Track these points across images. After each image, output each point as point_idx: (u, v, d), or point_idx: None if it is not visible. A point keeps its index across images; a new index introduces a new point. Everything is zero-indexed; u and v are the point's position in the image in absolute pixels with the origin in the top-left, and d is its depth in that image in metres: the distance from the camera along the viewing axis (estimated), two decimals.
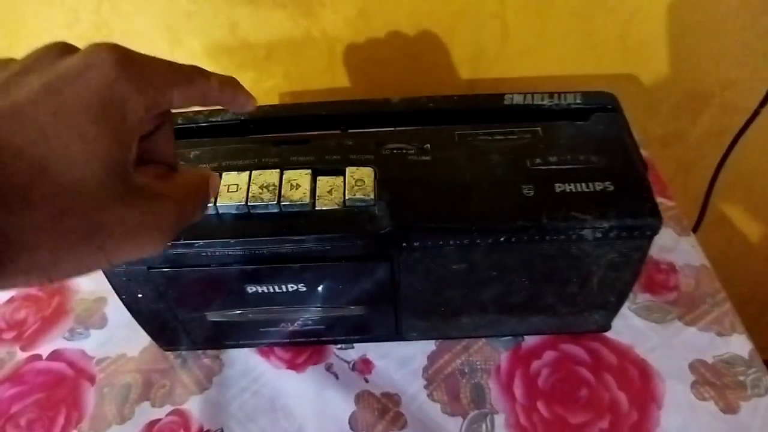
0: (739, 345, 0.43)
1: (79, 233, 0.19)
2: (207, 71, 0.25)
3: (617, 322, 0.43)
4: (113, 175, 0.20)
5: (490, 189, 0.35)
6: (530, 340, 0.44)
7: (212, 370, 0.45)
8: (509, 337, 0.44)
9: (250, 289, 0.37)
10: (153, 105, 0.21)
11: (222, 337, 0.44)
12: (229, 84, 0.26)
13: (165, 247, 0.22)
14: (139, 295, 0.39)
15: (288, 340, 0.44)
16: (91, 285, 0.50)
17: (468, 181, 0.35)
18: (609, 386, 0.41)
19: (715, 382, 0.41)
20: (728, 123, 0.62)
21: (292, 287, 0.37)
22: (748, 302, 0.83)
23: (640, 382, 0.41)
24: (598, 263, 0.36)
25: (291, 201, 0.34)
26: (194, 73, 0.24)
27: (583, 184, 0.35)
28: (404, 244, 0.35)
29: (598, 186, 0.35)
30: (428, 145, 0.37)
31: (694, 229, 0.61)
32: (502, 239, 0.34)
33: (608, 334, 0.44)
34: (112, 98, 0.20)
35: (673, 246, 0.49)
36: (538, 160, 0.36)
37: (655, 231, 0.34)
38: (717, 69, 0.59)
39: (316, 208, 0.34)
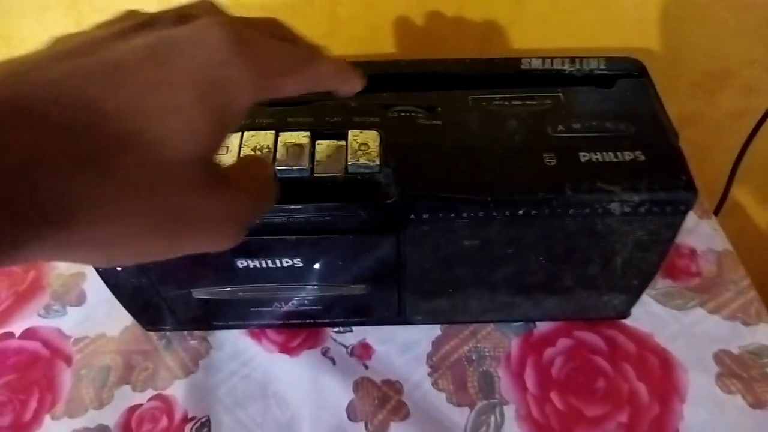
0: (766, 335, 0.40)
1: (155, 215, 0.18)
2: (321, 53, 0.23)
3: (634, 309, 0.40)
4: (201, 160, 0.18)
5: (508, 157, 0.32)
6: (542, 327, 0.41)
7: (199, 352, 0.41)
8: (520, 323, 0.41)
9: (241, 263, 0.34)
10: (261, 94, 0.20)
11: (210, 317, 0.41)
12: (343, 69, 0.24)
13: (237, 242, 0.21)
14: (118, 269, 0.35)
15: (281, 322, 0.40)
16: None
17: (483, 147, 0.32)
18: (628, 377, 0.38)
19: (742, 374, 0.38)
20: (747, 105, 0.59)
21: (286, 262, 0.34)
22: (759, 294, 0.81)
23: (661, 373, 0.38)
24: (624, 241, 0.33)
25: (287, 166, 0.31)
26: (309, 57, 0.22)
27: (611, 154, 0.31)
28: (411, 216, 0.31)
29: (628, 156, 0.31)
30: (439, 109, 0.34)
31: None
32: (520, 212, 0.31)
33: (626, 322, 0.41)
34: (221, 81, 0.18)
35: (693, 228, 0.46)
36: (560, 127, 0.33)
37: (689, 206, 0.31)
38: (737, 45, 0.56)
39: (315, 174, 0.31)
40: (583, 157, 0.31)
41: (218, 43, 0.18)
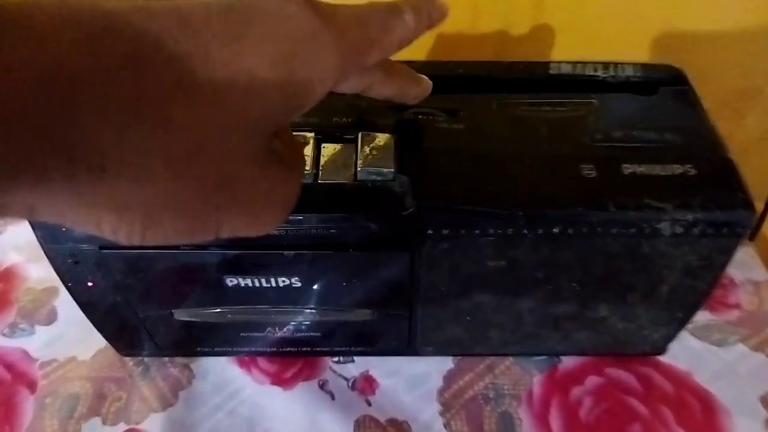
0: None
1: (203, 181, 0.16)
2: (398, 5, 0.21)
3: (671, 344, 0.36)
4: (264, 133, 0.17)
5: (541, 167, 0.28)
6: (568, 362, 0.37)
7: (180, 382, 0.37)
8: (543, 357, 0.37)
9: (230, 281, 0.30)
10: (347, 75, 0.19)
11: (194, 342, 0.36)
12: (422, 7, 0.22)
13: (277, 226, 0.20)
14: (90, 284, 0.31)
15: (274, 349, 0.36)
16: (41, 271, 0.42)
17: (512, 156, 0.28)
18: (666, 421, 0.34)
19: None
20: None
21: (283, 282, 0.30)
22: None
23: (703, 417, 0.34)
24: (671, 267, 0.29)
25: None
26: (389, 16, 0.20)
27: (658, 166, 0.28)
28: (429, 231, 0.27)
29: (677, 169, 0.28)
30: (461, 112, 0.30)
31: None
32: (555, 230, 0.27)
33: (661, 358, 0.37)
34: (305, 56, 0.17)
35: None
36: (598, 136, 0.29)
37: (747, 228, 0.27)
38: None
39: (320, 181, 0.27)
40: (626, 169, 0.27)
41: (304, 17, 0.17)
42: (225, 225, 0.17)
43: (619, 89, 0.33)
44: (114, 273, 0.30)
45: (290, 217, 0.27)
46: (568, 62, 0.34)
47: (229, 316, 0.32)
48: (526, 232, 0.27)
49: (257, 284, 0.30)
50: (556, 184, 0.27)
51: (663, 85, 0.33)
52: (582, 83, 0.33)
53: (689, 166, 0.28)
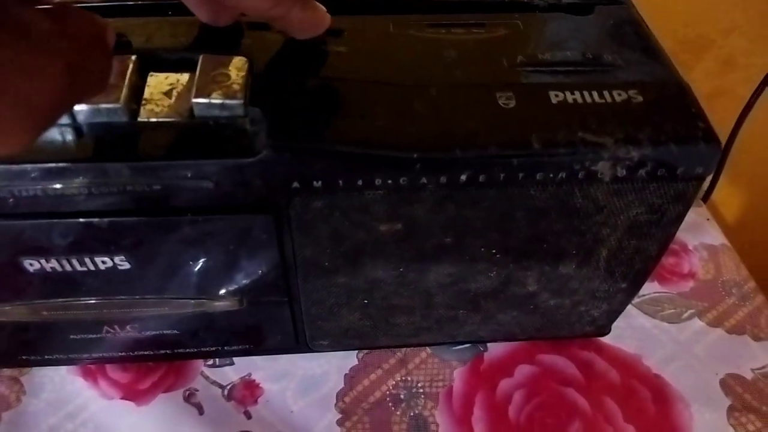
0: None
1: None
2: None
3: (616, 322, 0.30)
4: None
5: (443, 97, 0.21)
6: (495, 349, 0.30)
7: (6, 400, 0.29)
8: (465, 346, 0.30)
9: (30, 264, 0.21)
10: None
11: (20, 349, 0.28)
12: None
13: (27, 143, 0.13)
14: None
15: (124, 354, 0.28)
16: None
17: (407, 84, 0.21)
18: (611, 416, 0.28)
19: (760, 407, 0.28)
20: (726, 84, 0.51)
21: (104, 263, 0.22)
22: None
23: (656, 409, 0.28)
24: (612, 224, 0.22)
25: (93, 106, 0.19)
26: None
27: (595, 93, 0.21)
28: (295, 185, 0.20)
29: (618, 95, 0.21)
30: (345, 33, 0.23)
31: None
32: (462, 178, 0.20)
33: (604, 340, 0.31)
34: None
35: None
36: (521, 59, 0.23)
37: (709, 167, 0.21)
38: (718, 8, 0.48)
39: (140, 119, 0.19)
40: (556, 97, 0.21)
41: None
42: None
43: (548, 11, 0.26)
44: None
45: (99, 168, 0.19)
46: None
47: (45, 313, 0.24)
48: (425, 181, 0.20)
49: (68, 267, 0.22)
50: (465, 119, 0.20)
51: (600, 4, 0.27)
52: (504, 7, 0.27)
53: (634, 92, 0.21)
